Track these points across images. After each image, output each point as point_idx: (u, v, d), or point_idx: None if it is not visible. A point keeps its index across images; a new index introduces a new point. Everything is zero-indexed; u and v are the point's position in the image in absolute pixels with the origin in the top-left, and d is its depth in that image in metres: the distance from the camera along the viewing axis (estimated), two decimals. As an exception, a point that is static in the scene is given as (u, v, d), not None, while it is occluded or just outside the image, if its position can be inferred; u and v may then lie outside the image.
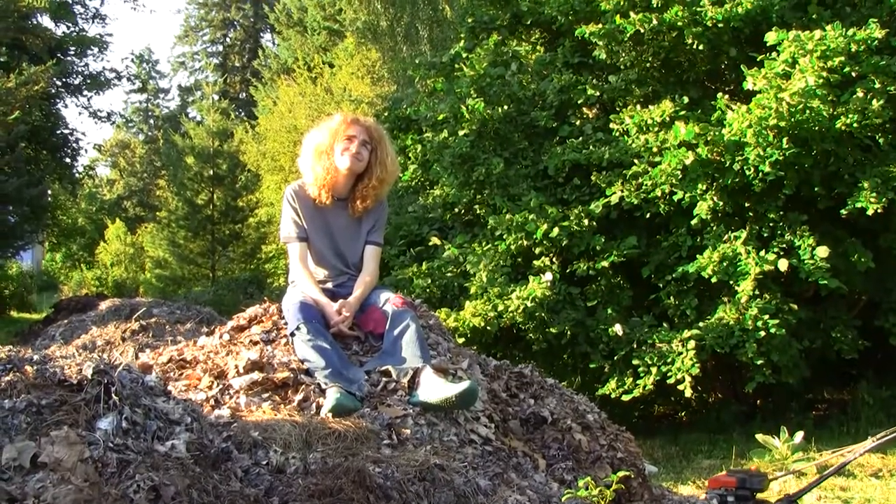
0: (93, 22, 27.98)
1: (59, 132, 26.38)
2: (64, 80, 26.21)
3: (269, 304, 4.92)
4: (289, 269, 4.92)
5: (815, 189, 9.81)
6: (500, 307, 9.91)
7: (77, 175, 29.25)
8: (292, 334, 4.33)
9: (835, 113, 9.22)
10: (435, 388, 4.00)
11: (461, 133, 11.47)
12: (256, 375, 4.04)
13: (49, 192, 26.42)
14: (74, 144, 27.30)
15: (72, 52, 26.45)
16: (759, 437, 8.90)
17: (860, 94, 9.23)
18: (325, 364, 4.10)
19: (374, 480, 3.25)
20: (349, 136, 4.68)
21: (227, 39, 55.95)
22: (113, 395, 3.09)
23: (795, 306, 9.92)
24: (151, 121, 58.86)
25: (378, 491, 3.22)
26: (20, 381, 3.06)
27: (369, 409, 3.98)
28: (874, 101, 9.15)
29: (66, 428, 2.90)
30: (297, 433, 3.58)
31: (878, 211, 9.23)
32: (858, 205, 9.24)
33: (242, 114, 43.86)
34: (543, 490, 3.95)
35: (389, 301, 4.51)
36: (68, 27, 26.88)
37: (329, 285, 4.72)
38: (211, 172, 27.08)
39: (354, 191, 4.77)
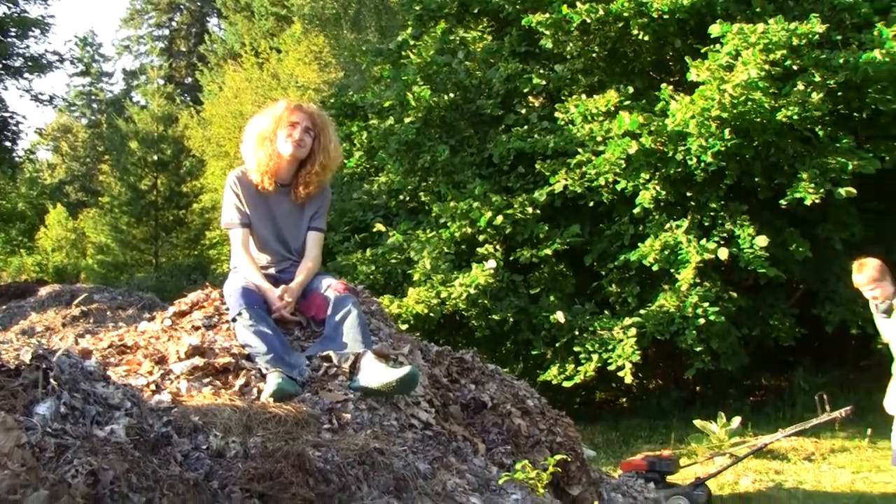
0: (35, 3, 27.46)
1: (-2, 115, 25.87)
2: (4, 62, 25.71)
3: (211, 290, 4.90)
4: (231, 255, 4.90)
5: (756, 179, 9.96)
6: (444, 294, 9.95)
7: (17, 159, 28.74)
8: (234, 319, 4.32)
9: (776, 105, 9.36)
10: (376, 374, 4.02)
11: (407, 120, 11.48)
12: (197, 360, 4.03)
13: (-14, 176, 26.00)
14: (14, 128, 26.76)
15: (13, 34, 25.93)
16: (697, 422, 9.05)
17: (801, 86, 9.38)
18: (267, 349, 4.10)
19: (313, 464, 3.26)
20: (292, 123, 4.67)
21: (173, 23, 55.30)
22: (51, 380, 3.07)
23: (735, 294, 10.09)
24: (95, 105, 58.00)
25: (318, 474, 3.23)
26: (-44, 366, 3.04)
27: (310, 394, 3.98)
28: (814, 94, 9.31)
29: (3, 413, 2.87)
30: (237, 418, 3.58)
31: (816, 202, 9.40)
32: (797, 195, 9.40)
33: (188, 99, 43.43)
34: (483, 474, 3.99)
35: (331, 287, 4.51)
36: (9, 8, 26.35)
37: (271, 271, 4.71)
38: (155, 158, 26.83)
39: (297, 177, 4.76)
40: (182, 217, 27.96)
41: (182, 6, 54.86)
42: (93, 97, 58.41)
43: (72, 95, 57.47)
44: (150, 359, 4.14)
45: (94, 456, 2.81)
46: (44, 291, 12.80)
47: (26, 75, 26.74)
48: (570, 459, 4.52)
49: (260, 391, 3.93)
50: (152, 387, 3.92)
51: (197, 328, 4.46)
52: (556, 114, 10.95)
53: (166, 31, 55.61)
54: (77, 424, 3.01)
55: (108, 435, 3.01)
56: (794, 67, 9.59)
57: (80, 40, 55.78)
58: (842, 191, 9.44)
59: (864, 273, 6.02)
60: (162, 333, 4.47)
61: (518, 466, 3.59)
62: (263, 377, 4.02)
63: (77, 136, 54.06)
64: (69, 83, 59.05)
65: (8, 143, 26.91)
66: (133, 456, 2.93)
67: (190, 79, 49.40)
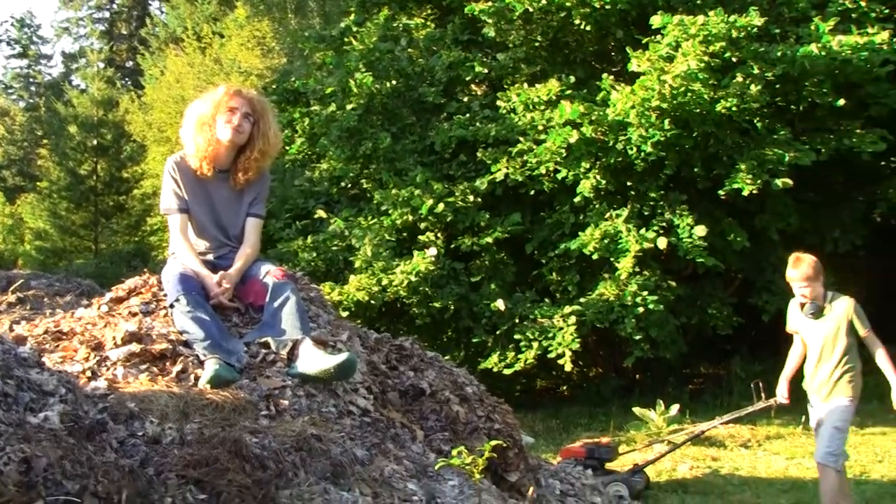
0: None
1: (-69, 97, 25.40)
2: (-62, 43, 25.28)
3: (149, 276, 4.87)
4: (170, 241, 4.87)
5: (695, 170, 10.07)
6: (385, 281, 9.96)
7: (-48, 142, 28.25)
8: (171, 306, 4.30)
9: (715, 96, 9.47)
10: (314, 360, 4.03)
11: (349, 107, 11.46)
12: (134, 347, 4.01)
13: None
14: (-50, 110, 26.34)
15: (-53, 15, 25.50)
16: (637, 409, 9.15)
17: (740, 78, 9.50)
18: (204, 335, 4.09)
19: (250, 450, 3.27)
20: (231, 108, 4.65)
21: (114, 6, 54.45)
22: (-17, 366, 3.05)
23: (674, 283, 10.20)
24: (33, 87, 57.07)
25: (254, 460, 3.24)
26: None
27: (248, 381, 3.98)
28: (753, 86, 9.43)
29: (-67, 400, 2.85)
30: (174, 404, 3.57)
31: (754, 192, 9.54)
32: (735, 186, 9.52)
33: (129, 83, 42.85)
34: (420, 460, 4.02)
35: (270, 273, 4.50)
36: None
37: (210, 257, 4.69)
38: (95, 142, 26.44)
39: (236, 163, 4.74)
40: (122, 203, 27.60)
41: (123, -12, 54.09)
42: (31, 80, 57.43)
43: (8, 78, 56.46)
44: (86, 345, 4.11)
45: (27, 443, 2.79)
46: (-21, 278, 12.57)
47: (-39, 57, 26.26)
48: (507, 446, 4.56)
49: (197, 378, 3.92)
50: (88, 373, 3.90)
51: (134, 314, 4.43)
52: (498, 102, 10.99)
53: (107, 14, 54.75)
54: (10, 411, 2.98)
55: (42, 422, 3.00)
56: (734, 59, 9.70)
57: (17, 21, 54.85)
58: (779, 182, 9.57)
59: (799, 269, 5.96)
60: (99, 320, 4.44)
61: (454, 452, 3.61)
62: (201, 363, 4.01)
63: (14, 120, 53.13)
64: (6, 65, 58.15)
65: (-57, 126, 26.42)
66: (67, 443, 2.91)
67: (131, 62, 48.73)
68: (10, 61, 56.88)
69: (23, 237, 34.84)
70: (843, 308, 5.85)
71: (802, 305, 5.97)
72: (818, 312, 5.92)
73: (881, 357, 5.91)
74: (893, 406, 5.88)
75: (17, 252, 33.81)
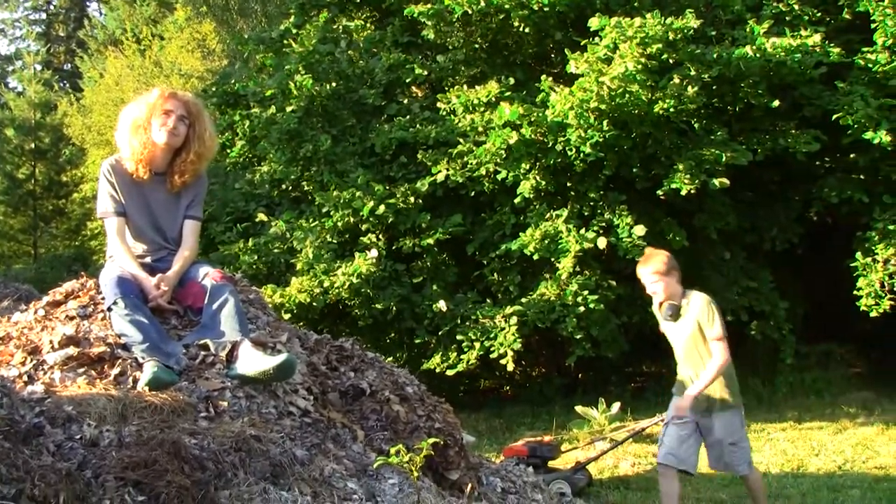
0: None
1: None
2: None
3: (87, 279, 4.84)
4: (108, 245, 4.85)
5: (634, 170, 10.19)
6: (326, 283, 9.96)
7: None
8: (109, 309, 4.29)
9: (653, 98, 9.59)
10: (252, 361, 4.04)
11: (289, 109, 11.43)
12: (72, 350, 4.00)
13: None
14: None
15: None
16: (579, 408, 9.24)
17: (677, 80, 9.62)
18: (143, 338, 4.08)
19: (189, 451, 3.28)
20: (166, 111, 4.64)
21: (51, 7, 53.76)
22: (-83, 371, 3.03)
23: (614, 283, 10.31)
24: (-32, 90, 56.21)
25: (193, 462, 3.25)
26: None
27: (187, 383, 3.99)
28: (689, 88, 9.55)
29: None
30: (112, 407, 3.57)
31: (692, 192, 9.66)
32: (674, 186, 9.64)
33: (67, 85, 42.35)
34: (360, 459, 4.05)
35: (208, 275, 4.51)
36: None
37: (147, 260, 4.68)
38: (33, 146, 26.09)
39: (172, 165, 4.74)
40: (62, 207, 27.27)
41: (60, -10, 53.40)
42: (-35, 82, 56.55)
43: (-57, 80, 55.54)
44: (22, 349, 4.09)
45: (-39, 447, 2.78)
46: (-86, 283, 12.38)
47: None
48: (448, 444, 4.60)
49: (136, 380, 3.92)
50: (25, 377, 3.88)
51: (72, 318, 4.42)
52: (438, 104, 11.03)
53: (43, 15, 54.02)
54: (-56, 416, 2.98)
55: (-23, 427, 2.99)
56: (671, 61, 9.82)
57: (-48, 23, 53.92)
58: (716, 182, 9.70)
59: (648, 265, 5.75)
60: (35, 324, 4.41)
61: (393, 451, 3.64)
62: (140, 366, 4.01)
63: (-51, 123, 52.30)
64: (-61, 66, 57.05)
65: None
66: (3, 447, 2.92)
67: (69, 65, 48.07)
68: (-56, 62, 55.80)
69: (-41, 242, 34.28)
70: (697, 307, 5.61)
71: (661, 305, 5.78)
72: (675, 314, 5.71)
73: (707, 370, 5.62)
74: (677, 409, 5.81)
75: (-47, 257, 33.25)
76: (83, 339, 4.14)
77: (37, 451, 3.10)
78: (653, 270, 5.70)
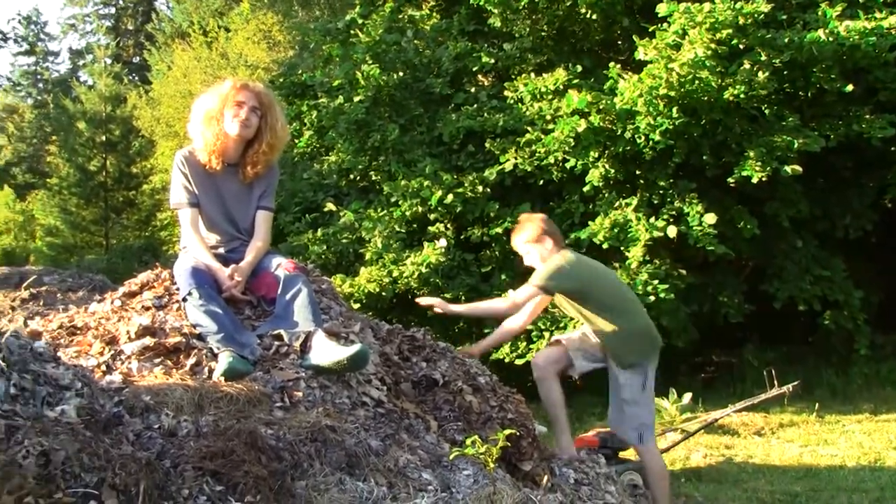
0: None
1: (-58, 96, 25.47)
2: (-54, 41, 25.34)
3: (161, 270, 4.89)
4: (181, 235, 4.90)
5: (704, 158, 10.06)
6: (395, 273, 9.97)
7: (-38, 141, 28.32)
8: (184, 299, 4.32)
9: (723, 84, 9.45)
10: (326, 352, 4.04)
11: (356, 99, 11.45)
12: (148, 341, 4.03)
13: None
14: (-41, 109, 26.39)
15: (-45, 13, 25.53)
16: (649, 398, 9.14)
17: (747, 65, 9.48)
18: (218, 328, 4.10)
19: (265, 442, 3.29)
20: (238, 102, 4.67)
21: (120, 1, 54.55)
22: (0, 361, 3.07)
23: (684, 272, 10.19)
24: (41, 84, 57.18)
25: (270, 452, 3.26)
26: None
27: (262, 373, 4.00)
28: (760, 73, 9.40)
29: (-48, 395, 2.88)
30: (189, 397, 3.59)
31: (763, 179, 9.51)
32: (745, 173, 9.50)
33: (136, 78, 42.97)
34: (434, 450, 4.03)
35: (281, 266, 4.52)
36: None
37: (221, 251, 4.72)
38: (103, 138, 26.54)
39: (245, 156, 4.76)
40: (132, 198, 27.71)
41: (128, -16, 54.11)
42: (38, 77, 57.55)
43: (17, 75, 56.60)
44: (100, 339, 4.14)
45: (45, 436, 2.81)
46: (-8, 274, 12.63)
47: (-31, 55, 26.34)
48: (521, 435, 4.57)
49: (211, 370, 3.94)
50: (103, 367, 3.92)
51: (147, 308, 4.46)
52: (506, 92, 10.99)
53: (112, 10, 54.82)
54: (27, 405, 3.01)
55: (59, 415, 3.02)
56: (741, 46, 9.68)
57: (24, 19, 54.94)
58: (788, 169, 9.55)
59: (520, 235, 5.63)
60: (112, 314, 4.46)
61: (468, 442, 3.63)
62: (215, 356, 4.03)
63: (23, 117, 53.29)
64: (14, 63, 58.18)
65: (-47, 125, 26.49)
66: (84, 436, 2.94)
67: (138, 58, 48.75)
68: (18, 59, 56.84)
69: (34, 234, 35.01)
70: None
71: None
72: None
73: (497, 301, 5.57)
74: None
75: (28, 248, 33.98)
76: (159, 329, 4.17)
77: (117, 440, 3.13)
78: (524, 240, 5.62)
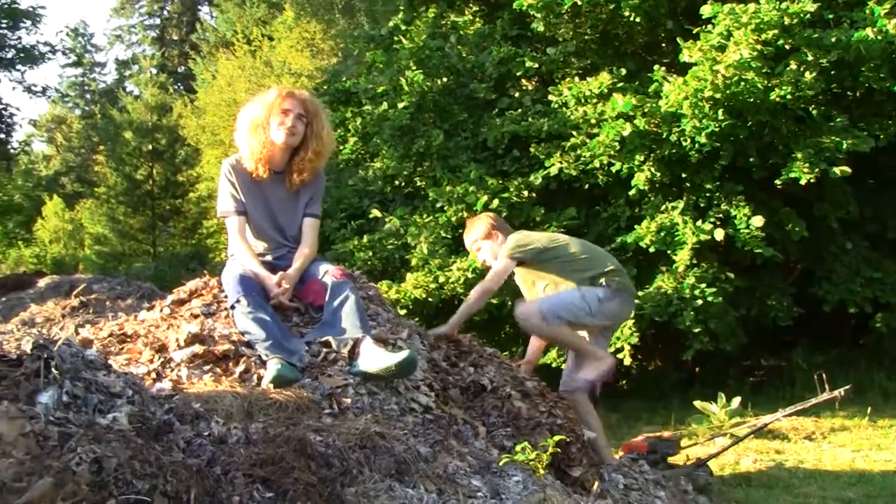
0: (25, -7, 27.36)
1: (-8, 108, 25.84)
2: (-4, 53, 25.70)
3: (209, 278, 4.92)
4: (229, 243, 4.93)
5: (751, 160, 9.97)
6: (441, 279, 9.98)
7: (12, 151, 28.71)
8: (232, 307, 4.34)
9: (769, 85, 9.36)
10: (375, 358, 4.04)
11: (401, 105, 11.48)
12: (197, 348, 4.05)
13: (-18, 169, 26.01)
14: (9, 119, 26.75)
15: (4, 25, 25.88)
16: (698, 403, 9.06)
17: (793, 66, 9.38)
18: (266, 336, 4.12)
19: (315, 449, 3.29)
20: (284, 110, 4.69)
21: (165, 12, 55.07)
22: (53, 369, 3.09)
23: (732, 275, 10.09)
24: (88, 95, 57.86)
25: (319, 459, 3.26)
26: (-41, 357, 3.06)
27: (310, 380, 4.01)
28: (807, 74, 9.30)
29: (6, 403, 2.89)
30: (238, 404, 3.60)
31: (811, 181, 9.40)
32: (792, 175, 9.40)
33: (181, 88, 43.40)
34: (483, 456, 4.01)
35: (329, 273, 4.53)
36: (-1, -1, 26.30)
37: (268, 258, 4.74)
38: (150, 147, 26.80)
39: (291, 164, 4.79)
40: (179, 206, 27.94)
41: (173, -5, 54.63)
42: (86, 87, 58.24)
43: (64, 86, 57.31)
44: (150, 347, 4.17)
45: (97, 444, 2.83)
46: (43, 283, 12.79)
47: (19, 67, 26.71)
48: (570, 441, 4.55)
49: (260, 377, 3.96)
50: (153, 375, 3.95)
51: (196, 316, 4.48)
52: (550, 97, 10.96)
53: (157, 21, 55.38)
54: (80, 413, 3.03)
55: (111, 423, 3.04)
56: (787, 47, 9.58)
57: (72, 31, 55.61)
58: (836, 170, 9.43)
59: (470, 234, 5.72)
60: (161, 322, 4.49)
61: (518, 448, 3.61)
62: (263, 364, 4.04)
63: (71, 127, 53.98)
64: (62, 74, 58.91)
65: (2, 135, 26.88)
66: (136, 443, 2.95)
67: (183, 67, 49.19)
68: (66, 70, 57.57)
69: (82, 242, 35.45)
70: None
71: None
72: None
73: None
74: None
75: (77, 257, 34.39)
76: (208, 336, 4.20)
77: (167, 447, 3.14)
78: (475, 238, 5.71)
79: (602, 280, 5.60)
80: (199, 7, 53.93)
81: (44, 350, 3.15)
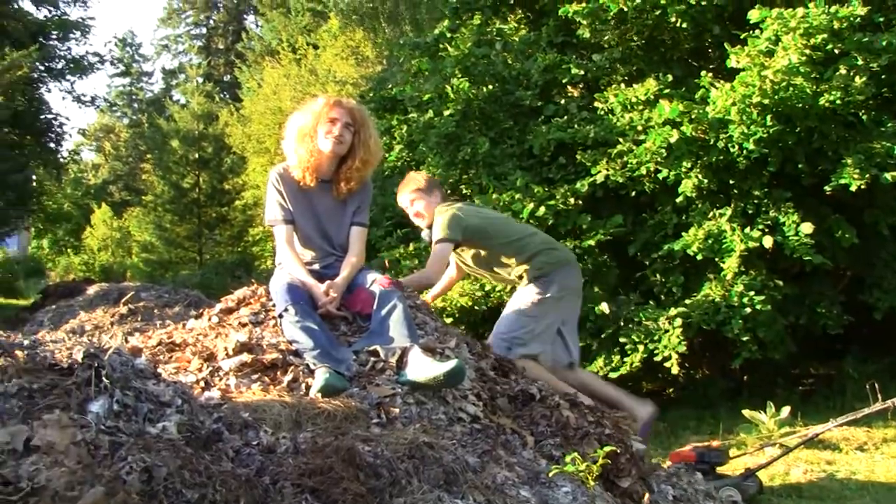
0: (74, 5, 27.79)
1: (42, 117, 26.20)
2: (47, 64, 26.07)
3: (257, 287, 4.94)
4: (276, 252, 4.95)
5: (800, 166, 9.84)
6: (488, 286, 9.94)
7: (62, 160, 29.10)
8: (280, 316, 4.36)
9: (818, 90, 9.24)
10: (423, 367, 4.03)
11: (446, 113, 11.46)
12: (245, 357, 4.07)
13: (34, 177, 26.33)
14: (59, 129, 27.13)
15: (54, 36, 26.27)
16: (746, 412, 8.96)
17: (843, 70, 9.25)
18: (314, 345, 4.12)
19: (363, 459, 3.28)
20: (332, 119, 4.71)
21: (211, 21, 55.65)
22: (103, 378, 3.11)
23: (781, 282, 9.96)
24: (135, 104, 58.57)
25: (368, 469, 3.25)
26: (11, 366, 3.08)
27: (358, 389, 4.00)
28: (857, 78, 9.18)
29: (58, 411, 2.92)
30: (286, 413, 3.61)
31: (862, 187, 9.26)
32: (842, 181, 9.27)
33: (227, 96, 43.78)
34: (532, 466, 3.99)
35: (376, 281, 4.54)
36: (50, 11, 26.69)
37: (316, 267, 4.75)
38: (196, 156, 27.02)
39: (338, 172, 4.80)
40: (225, 214, 28.14)
41: (219, 4, 55.16)
42: (133, 97, 58.97)
43: (113, 96, 58.06)
44: (198, 356, 4.19)
45: (147, 453, 2.84)
46: (91, 290, 12.97)
47: (68, 77, 27.10)
48: (619, 451, 4.51)
49: (308, 387, 3.96)
50: (202, 384, 3.97)
51: (244, 325, 4.50)
52: (596, 103, 10.88)
53: (203, 30, 55.95)
54: (130, 422, 3.05)
55: (161, 432, 3.06)
56: (836, 51, 9.45)
57: (120, 41, 56.33)
58: (888, 175, 9.29)
59: (406, 187, 5.86)
60: (210, 330, 4.51)
61: (568, 459, 3.59)
62: (311, 373, 4.05)
63: (119, 136, 54.67)
64: (110, 83, 59.74)
65: (52, 145, 27.29)
66: (185, 452, 2.97)
67: (229, 76, 49.63)
68: (114, 80, 58.36)
69: (130, 250, 35.81)
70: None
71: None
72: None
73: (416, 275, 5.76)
74: None
75: (125, 264, 34.77)
76: (256, 345, 4.21)
77: (216, 456, 3.15)
78: (411, 190, 5.85)
79: (539, 271, 5.80)
80: (245, 16, 54.40)
81: (94, 359, 3.17)
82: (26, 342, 3.35)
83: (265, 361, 4.08)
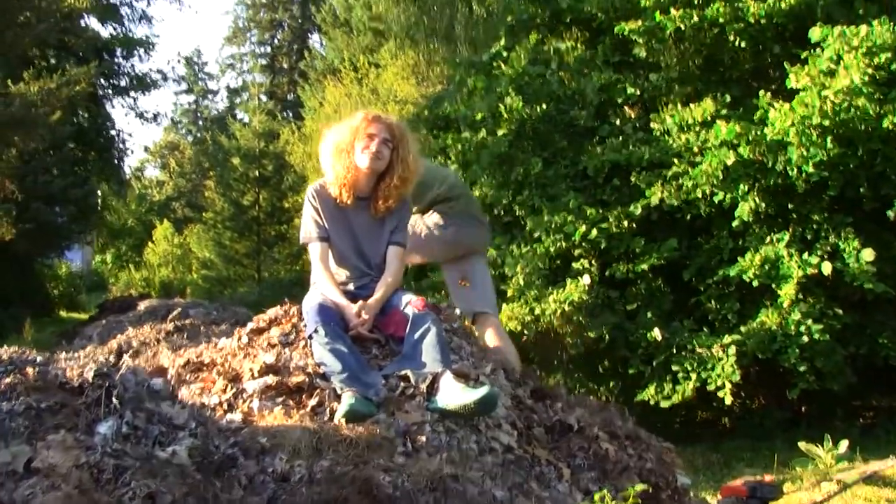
0: (139, 23, 28.26)
1: (106, 133, 26.60)
2: (111, 81, 26.48)
3: (290, 306, 4.83)
4: (311, 270, 4.85)
5: (861, 190, 9.58)
6: (538, 310, 9.79)
7: (125, 176, 29.51)
8: (310, 337, 4.24)
9: (881, 111, 9.00)
10: (454, 394, 3.88)
11: (500, 133, 11.35)
12: (270, 379, 3.95)
13: (98, 192, 26.71)
14: (121, 145, 27.55)
15: (118, 54, 26.69)
16: (802, 445, 8.68)
17: (908, 91, 9.02)
18: (342, 368, 3.99)
19: (382, 490, 3.14)
20: (369, 134, 4.60)
21: (275, 40, 56.12)
22: (114, 398, 3.02)
23: (840, 311, 9.70)
24: (200, 122, 59.32)
25: (386, 501, 3.11)
26: (20, 383, 3.01)
27: (385, 415, 3.85)
28: (923, 99, 8.95)
29: (64, 432, 2.84)
30: (307, 439, 3.47)
31: (927, 212, 9.03)
32: (906, 206, 9.04)
33: (290, 115, 44.03)
34: (565, 500, 3.83)
35: (411, 304, 4.40)
36: (115, 28, 27.13)
37: (350, 287, 4.63)
38: (256, 173, 27.22)
39: (376, 190, 4.68)
40: (283, 232, 28.29)
41: (284, 23, 55.67)
42: (198, 114, 59.75)
43: (178, 113, 58.88)
44: (223, 377, 4.08)
45: (152, 478, 2.75)
46: (142, 306, 13.03)
47: (131, 93, 27.50)
48: (660, 486, 4.32)
49: (333, 411, 3.83)
50: (224, 406, 3.86)
51: (273, 346, 4.38)
52: (652, 124, 10.71)
53: (268, 49, 56.48)
54: (138, 445, 2.96)
55: (170, 456, 2.95)
56: (901, 71, 9.23)
57: (185, 59, 57.14)
58: (952, 200, 9.05)
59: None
60: (238, 350, 4.41)
61: (597, 497, 3.41)
62: (338, 397, 3.91)
63: (184, 153, 55.38)
64: (176, 101, 60.59)
65: (115, 161, 27.70)
66: (194, 479, 2.86)
67: (291, 95, 50.03)
68: (180, 97, 59.18)
69: (190, 266, 36.14)
70: None
71: None
72: None
73: None
74: None
75: (185, 281, 35.11)
76: (283, 367, 4.10)
77: (228, 483, 3.03)
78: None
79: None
80: (309, 35, 54.81)
81: (106, 378, 3.09)
82: (39, 358, 3.26)
83: (290, 384, 3.95)
